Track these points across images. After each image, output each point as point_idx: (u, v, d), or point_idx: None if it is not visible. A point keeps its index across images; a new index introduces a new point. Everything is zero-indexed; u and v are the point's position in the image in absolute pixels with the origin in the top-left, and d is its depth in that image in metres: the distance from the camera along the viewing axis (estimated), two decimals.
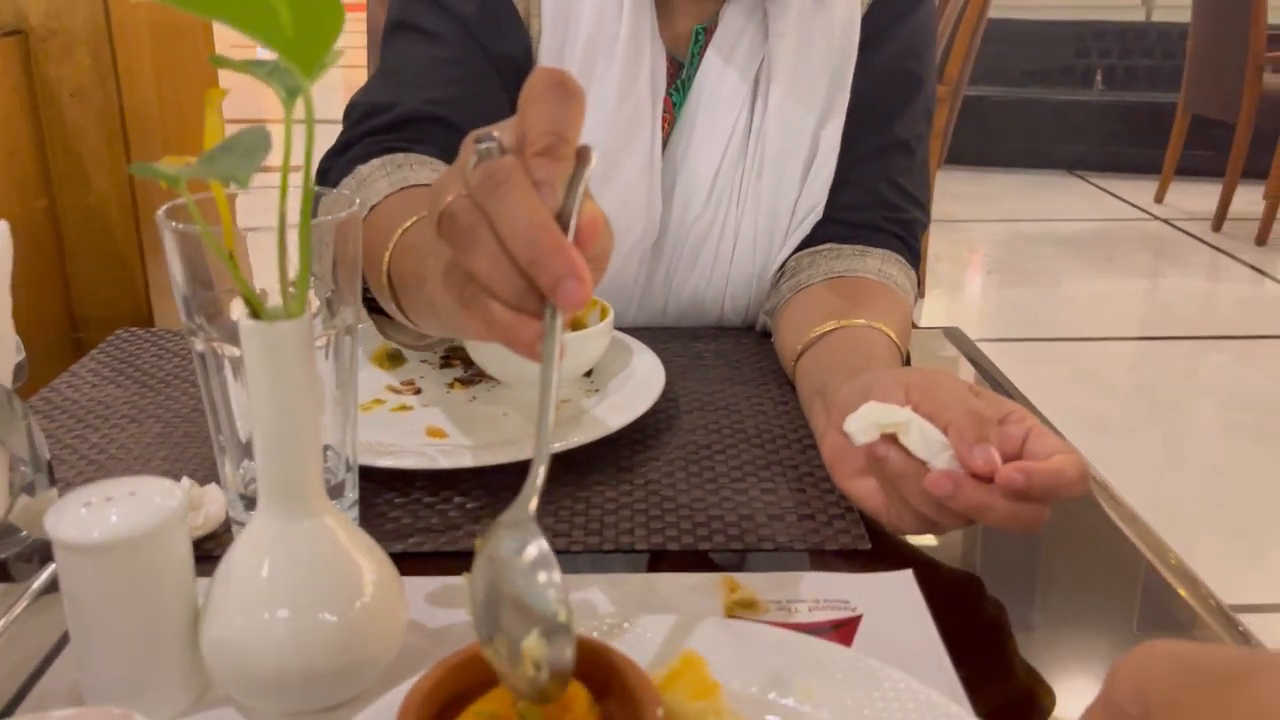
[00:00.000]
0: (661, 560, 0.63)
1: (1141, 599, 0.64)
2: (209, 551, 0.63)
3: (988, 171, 5.54)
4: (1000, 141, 5.60)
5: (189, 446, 0.77)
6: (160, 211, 0.55)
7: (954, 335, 0.99)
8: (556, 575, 0.43)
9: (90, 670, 0.50)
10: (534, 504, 0.45)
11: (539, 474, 0.45)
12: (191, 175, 0.40)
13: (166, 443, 0.77)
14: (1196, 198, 4.98)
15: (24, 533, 0.62)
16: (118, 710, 0.38)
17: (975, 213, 4.93)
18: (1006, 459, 0.56)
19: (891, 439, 0.60)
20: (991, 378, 0.90)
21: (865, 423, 0.60)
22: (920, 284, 0.93)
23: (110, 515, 0.47)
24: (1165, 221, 4.81)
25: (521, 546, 0.43)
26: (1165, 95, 5.32)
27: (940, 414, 0.59)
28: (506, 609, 0.43)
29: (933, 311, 3.78)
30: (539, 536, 0.44)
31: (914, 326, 0.92)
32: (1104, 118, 5.61)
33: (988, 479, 0.56)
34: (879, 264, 0.89)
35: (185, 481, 0.65)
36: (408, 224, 0.69)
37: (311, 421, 0.48)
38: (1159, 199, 5.07)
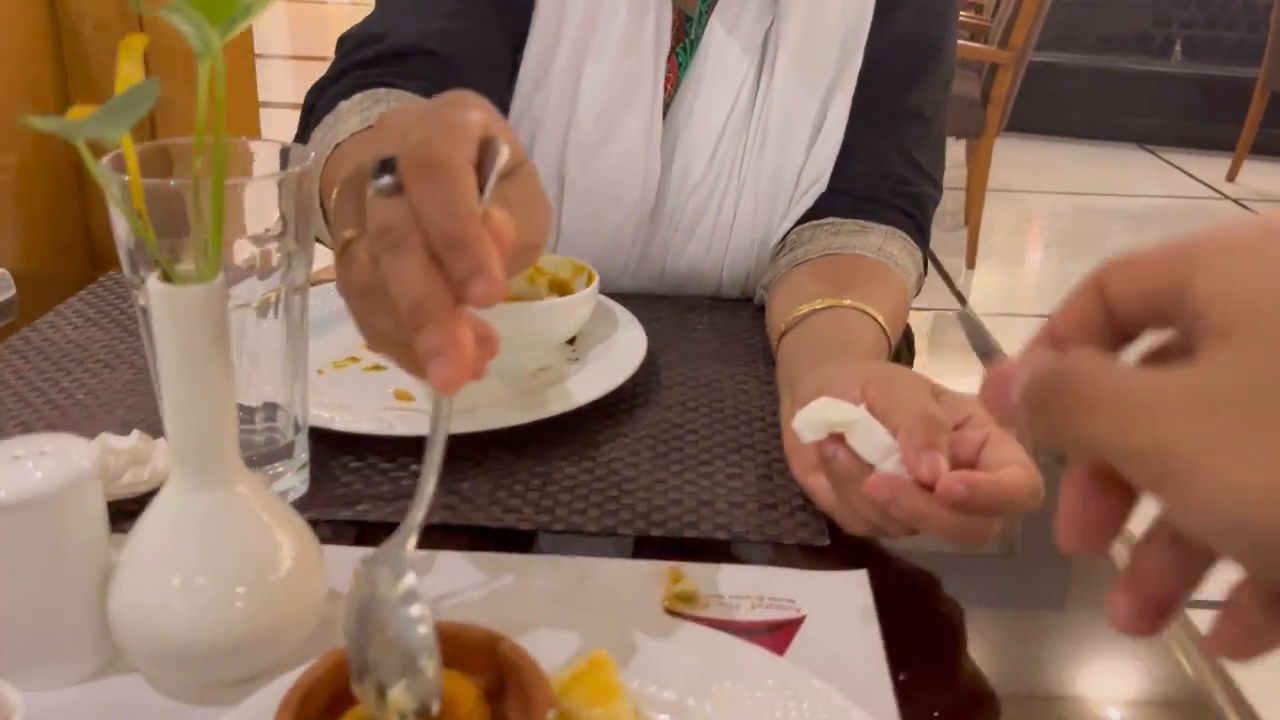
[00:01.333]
0: (609, 546, 0.61)
1: None
2: None
3: (1051, 141, 5.37)
4: (1067, 111, 5.42)
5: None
6: (104, 160, 0.53)
7: (965, 319, 0.95)
8: (427, 619, 0.41)
9: None
10: (412, 543, 0.43)
11: (419, 515, 0.44)
12: (60, 132, 0.38)
13: (135, 390, 0.76)
14: (1270, 178, 4.79)
15: None
16: None
17: (1035, 183, 4.79)
18: (959, 466, 0.53)
19: (840, 438, 0.56)
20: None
21: (814, 420, 0.58)
22: (926, 263, 0.89)
23: (17, 475, 0.46)
24: (1236, 201, 4.64)
25: (394, 582, 0.42)
26: (1246, 70, 5.09)
27: (893, 414, 0.55)
28: (376, 648, 0.41)
29: (984, 284, 3.69)
30: (410, 574, 0.42)
31: (928, 309, 0.88)
32: (1181, 90, 5.39)
33: (932, 487, 0.53)
34: (880, 241, 0.85)
35: (133, 435, 0.64)
36: (343, 139, 0.66)
37: (223, 389, 0.46)
38: (1231, 177, 4.88)
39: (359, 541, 0.61)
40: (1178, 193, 4.77)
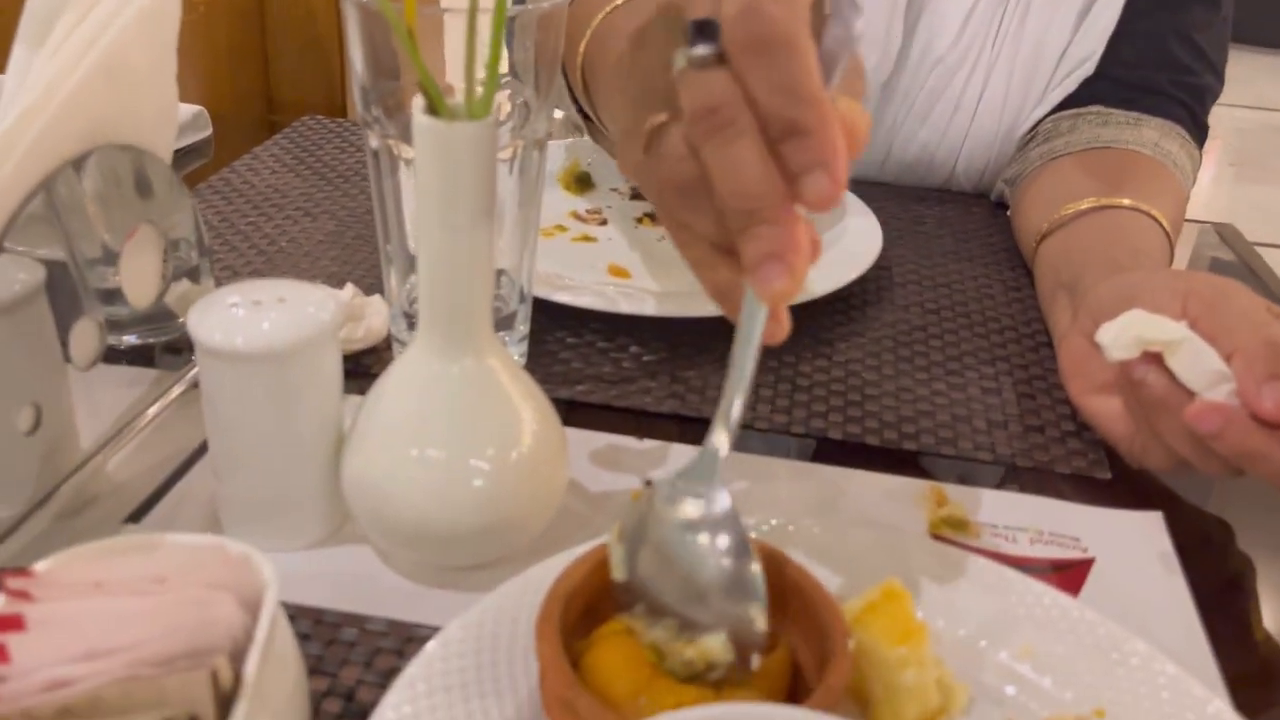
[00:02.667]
0: (855, 455, 0.55)
1: None
2: (367, 367, 0.58)
3: (1242, 49, 4.92)
4: (1265, 16, 4.94)
5: (360, 249, 0.72)
6: None
7: (1228, 234, 0.84)
8: (753, 554, 0.35)
9: (226, 483, 0.46)
10: (719, 467, 0.36)
11: (725, 439, 0.36)
12: None
13: (338, 242, 0.73)
14: None
15: (181, 319, 0.59)
16: (235, 548, 0.33)
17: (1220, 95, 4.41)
18: None
19: (1155, 358, 0.48)
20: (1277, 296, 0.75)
21: (1125, 335, 0.49)
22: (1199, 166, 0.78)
23: (259, 322, 0.42)
24: None
25: (705, 510, 0.35)
26: None
27: (1224, 337, 0.47)
28: (676, 585, 0.35)
29: None
30: (726, 496, 0.36)
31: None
32: None
33: (1272, 425, 0.44)
34: (1156, 136, 0.74)
35: (348, 289, 0.60)
36: (612, 6, 0.59)
37: (485, 242, 0.41)
38: None
39: (570, 423, 0.56)
40: None
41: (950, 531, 0.49)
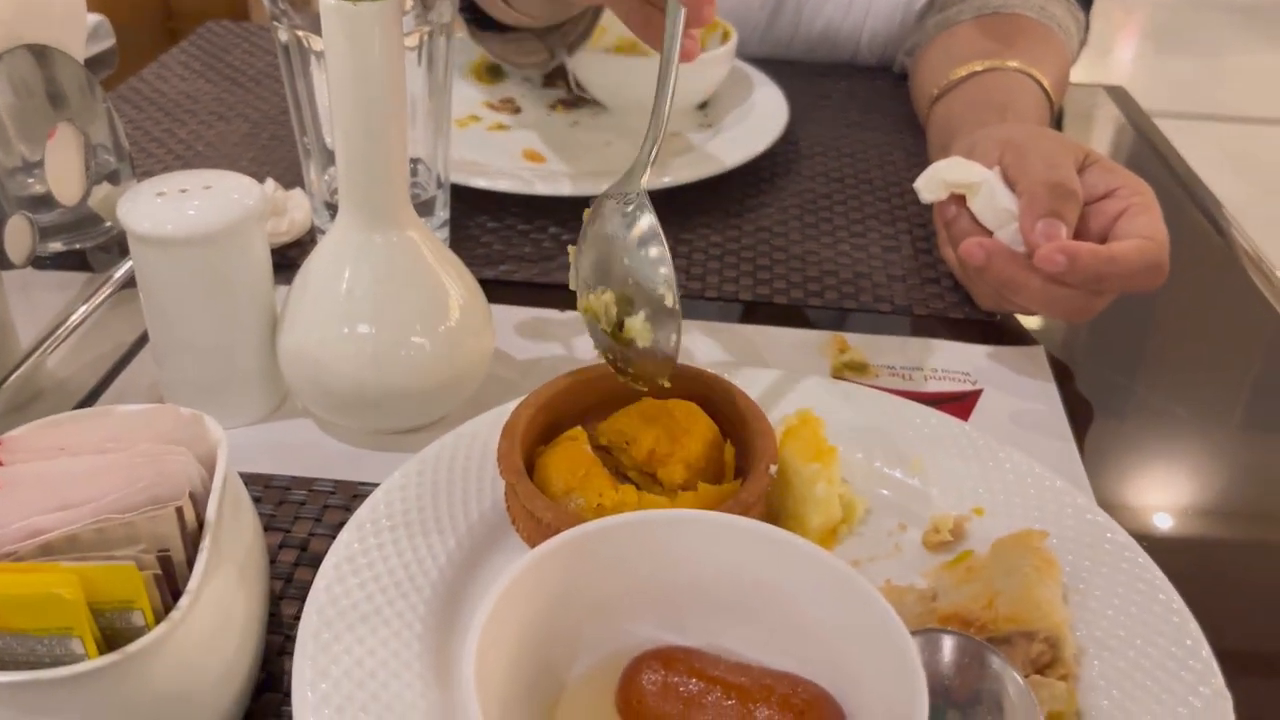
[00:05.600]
0: (764, 314, 0.59)
1: None
2: (292, 260, 0.60)
3: None
4: None
5: (277, 149, 0.73)
6: None
7: (1118, 95, 0.88)
8: (666, 256, 0.40)
9: (167, 370, 0.48)
10: (645, 178, 0.42)
11: (655, 143, 0.42)
12: None
13: (254, 144, 0.73)
14: None
15: (108, 224, 0.60)
16: (186, 410, 0.36)
17: None
18: (1091, 239, 0.49)
19: (960, 200, 0.53)
20: (1159, 152, 0.80)
21: (934, 180, 0.54)
22: (1088, 29, 0.81)
23: (186, 208, 0.44)
24: None
25: (631, 222, 0.41)
26: None
27: (1022, 180, 0.52)
28: (613, 287, 0.41)
29: (1074, 75, 3.48)
30: (650, 212, 0.41)
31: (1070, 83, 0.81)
32: None
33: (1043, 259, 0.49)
34: (1042, 1, 0.77)
35: (269, 184, 0.62)
36: None
37: (397, 119, 0.43)
38: None
39: (494, 301, 0.59)
40: None
41: (851, 374, 0.53)
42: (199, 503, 0.34)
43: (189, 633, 0.31)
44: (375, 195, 0.44)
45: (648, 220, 0.40)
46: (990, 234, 0.52)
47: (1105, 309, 0.52)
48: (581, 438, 0.40)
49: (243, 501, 0.36)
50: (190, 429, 0.36)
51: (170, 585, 0.31)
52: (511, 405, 0.45)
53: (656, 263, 0.40)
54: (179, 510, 0.31)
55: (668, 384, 0.41)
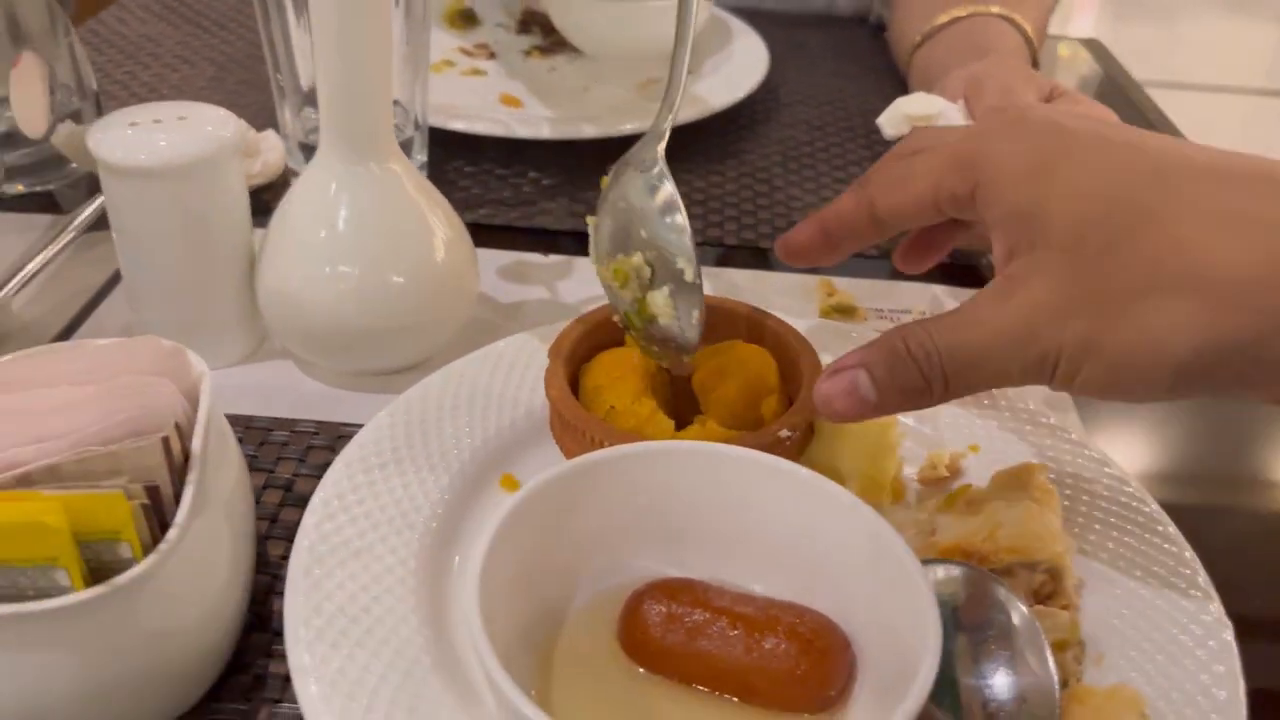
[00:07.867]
0: (749, 258, 0.58)
1: None
2: (267, 203, 0.58)
3: None
4: None
5: (245, 93, 0.71)
6: None
7: (1094, 48, 0.88)
8: (686, 226, 0.39)
9: (142, 310, 0.46)
10: (662, 148, 0.40)
11: (673, 110, 0.41)
12: None
13: (221, 88, 0.71)
14: None
15: (72, 164, 0.58)
16: (167, 342, 0.35)
17: None
18: None
19: None
20: (1139, 110, 0.80)
21: (896, 114, 0.54)
22: None
23: (159, 139, 0.42)
24: None
25: (652, 190, 0.40)
26: None
27: (977, 109, 0.52)
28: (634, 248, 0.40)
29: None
30: (670, 181, 0.40)
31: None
32: None
33: None
34: None
35: (241, 123, 0.60)
36: None
37: (381, 52, 0.42)
38: None
39: (477, 245, 0.58)
40: None
41: (839, 316, 0.53)
42: (184, 436, 0.32)
43: (178, 566, 0.30)
44: (358, 124, 0.43)
45: (668, 189, 0.39)
46: None
47: None
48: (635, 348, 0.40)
49: (227, 437, 0.35)
50: (171, 362, 0.34)
51: (159, 518, 0.30)
52: (500, 344, 0.44)
53: (680, 231, 0.39)
54: (165, 441, 0.30)
55: (689, 361, 0.40)
